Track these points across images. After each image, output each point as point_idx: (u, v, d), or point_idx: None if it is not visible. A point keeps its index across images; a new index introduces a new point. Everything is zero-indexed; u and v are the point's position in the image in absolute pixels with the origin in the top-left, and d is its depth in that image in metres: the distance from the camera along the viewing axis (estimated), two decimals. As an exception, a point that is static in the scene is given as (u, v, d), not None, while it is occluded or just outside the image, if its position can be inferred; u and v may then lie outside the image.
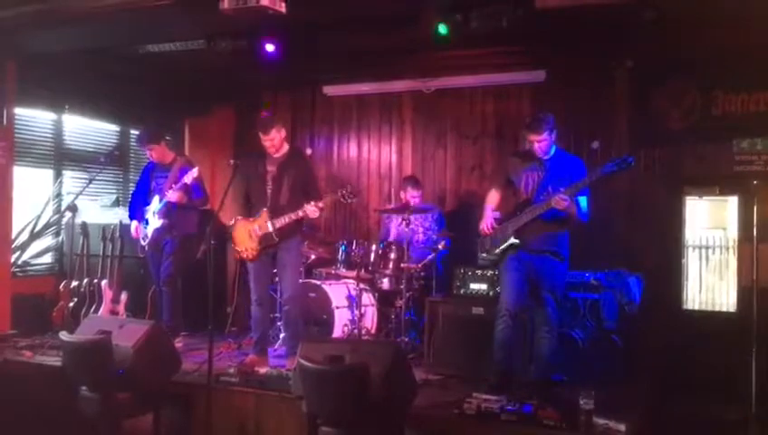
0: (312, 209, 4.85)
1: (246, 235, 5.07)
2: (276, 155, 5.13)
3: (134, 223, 5.87)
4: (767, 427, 4.67)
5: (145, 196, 5.90)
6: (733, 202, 5.73)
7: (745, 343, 5.11)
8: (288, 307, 5.13)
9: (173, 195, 5.56)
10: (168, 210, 5.67)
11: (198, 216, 5.88)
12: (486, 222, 4.56)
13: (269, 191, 5.06)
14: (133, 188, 6.44)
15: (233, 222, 5.17)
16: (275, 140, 5.05)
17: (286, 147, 5.20)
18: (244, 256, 5.13)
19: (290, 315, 5.14)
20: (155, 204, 5.74)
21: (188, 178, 5.53)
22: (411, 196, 6.19)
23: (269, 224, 4.96)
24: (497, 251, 4.53)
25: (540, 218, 4.37)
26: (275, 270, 5.31)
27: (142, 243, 5.83)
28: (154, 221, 5.72)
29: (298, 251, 5.28)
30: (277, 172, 5.08)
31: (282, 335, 5.70)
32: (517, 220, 4.44)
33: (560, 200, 4.20)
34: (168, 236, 5.73)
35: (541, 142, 4.41)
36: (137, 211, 5.90)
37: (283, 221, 4.93)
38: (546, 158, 4.48)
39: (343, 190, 4.93)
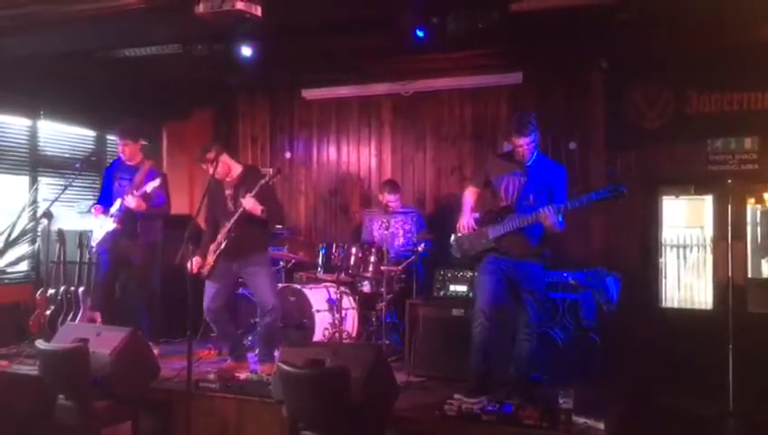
0: (246, 200, 4.78)
1: (199, 259, 4.99)
2: (229, 179, 5.06)
3: (96, 205, 5.70)
4: (744, 422, 4.74)
5: (108, 198, 5.72)
6: (709, 201, 5.81)
7: (722, 340, 5.19)
8: (270, 319, 4.99)
9: (132, 201, 5.39)
10: (127, 216, 5.51)
11: (161, 223, 5.77)
12: (466, 222, 4.56)
13: (231, 215, 4.95)
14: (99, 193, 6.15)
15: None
16: (217, 166, 4.93)
17: (238, 168, 5.12)
18: (204, 272, 5.03)
19: (271, 326, 5.02)
20: (114, 207, 5.58)
21: (149, 188, 5.38)
22: (388, 200, 6.19)
23: (221, 237, 4.95)
24: (473, 254, 4.55)
25: (522, 230, 4.38)
26: (241, 290, 5.27)
27: (92, 243, 5.68)
28: (107, 223, 5.56)
29: (267, 266, 5.14)
30: (234, 194, 5.01)
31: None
32: (499, 228, 4.43)
33: (548, 216, 4.21)
34: (131, 245, 5.58)
35: (528, 145, 4.39)
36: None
37: (229, 224, 4.90)
38: (528, 163, 4.48)
39: (264, 179, 4.82)
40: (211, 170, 4.92)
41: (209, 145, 5.08)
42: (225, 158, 4.99)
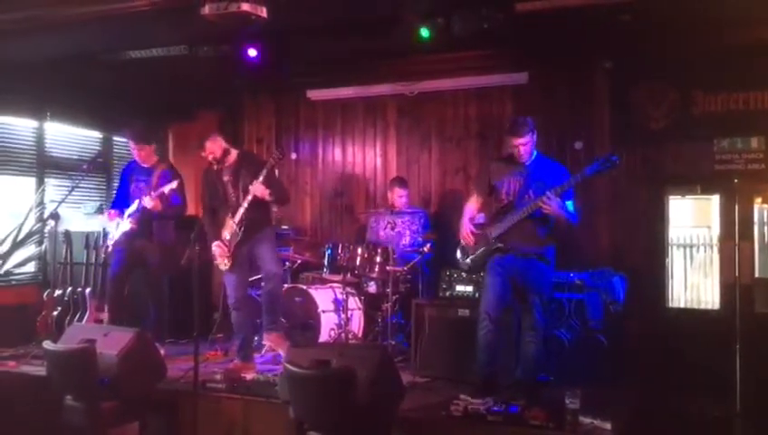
0: (255, 187, 4.86)
1: (221, 247, 5.10)
2: (226, 164, 5.13)
3: (110, 210, 5.77)
4: (752, 423, 4.72)
5: (126, 199, 5.78)
6: (716, 200, 5.79)
7: (729, 340, 5.17)
8: (271, 284, 5.09)
9: (149, 202, 5.44)
10: (143, 217, 5.55)
11: (175, 225, 5.79)
12: (465, 228, 4.57)
13: (233, 199, 5.08)
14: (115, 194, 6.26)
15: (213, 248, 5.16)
16: (216, 151, 5.05)
17: (234, 153, 5.19)
18: (224, 268, 5.16)
19: (272, 292, 5.11)
20: (132, 207, 5.63)
21: (167, 189, 5.44)
22: (398, 195, 6.21)
23: (232, 222, 5.03)
24: (478, 257, 4.55)
25: (527, 219, 4.38)
26: (254, 277, 5.32)
27: (108, 243, 5.72)
28: (124, 224, 5.60)
29: (271, 239, 5.24)
30: (233, 179, 5.09)
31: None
32: (500, 226, 4.45)
33: (547, 201, 4.21)
34: (148, 245, 5.61)
35: (525, 145, 4.43)
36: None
37: (240, 213, 4.97)
38: (528, 162, 4.50)
39: (272, 158, 4.92)
40: (210, 157, 5.02)
41: (213, 135, 5.16)
42: (220, 143, 5.10)
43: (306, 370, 3.50)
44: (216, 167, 5.11)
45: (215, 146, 5.06)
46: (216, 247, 5.10)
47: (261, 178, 4.85)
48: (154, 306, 5.66)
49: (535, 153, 4.53)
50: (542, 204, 4.24)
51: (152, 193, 5.48)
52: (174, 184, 5.45)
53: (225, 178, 5.12)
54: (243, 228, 5.00)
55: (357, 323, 5.86)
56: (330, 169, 7.37)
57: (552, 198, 4.22)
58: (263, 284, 5.19)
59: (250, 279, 5.43)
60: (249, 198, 4.90)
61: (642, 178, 5.86)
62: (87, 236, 6.17)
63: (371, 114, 7.18)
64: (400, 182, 6.32)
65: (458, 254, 4.70)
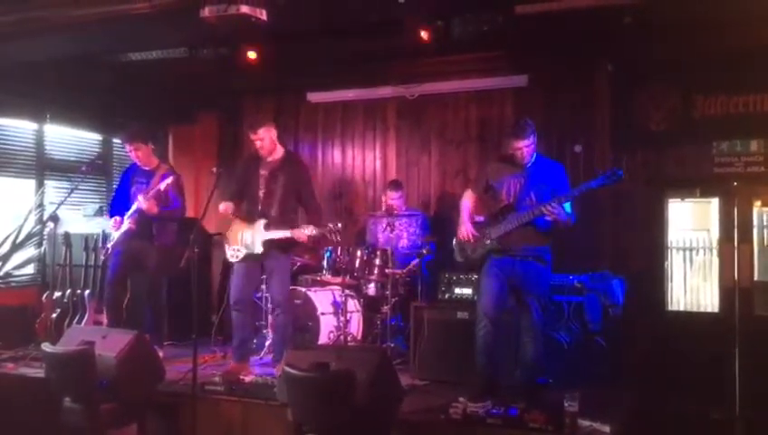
0: (299, 234, 4.81)
1: (239, 237, 5.02)
2: (269, 159, 5.06)
3: (115, 217, 5.70)
4: (752, 426, 4.71)
5: (125, 201, 5.73)
6: (715, 204, 5.79)
7: (729, 343, 5.17)
8: (278, 313, 5.11)
9: (143, 202, 5.38)
10: (143, 217, 5.50)
11: (177, 226, 5.76)
12: (466, 228, 4.57)
13: (261, 195, 5.02)
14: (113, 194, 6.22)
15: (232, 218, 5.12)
16: (265, 141, 4.98)
17: (281, 151, 5.14)
18: (231, 257, 5.09)
19: (279, 322, 5.12)
20: (132, 209, 5.57)
21: (163, 186, 5.39)
22: (392, 198, 6.20)
23: (260, 236, 4.92)
24: (476, 256, 4.55)
25: (526, 225, 4.38)
26: (263, 277, 5.30)
27: (108, 245, 5.68)
28: (124, 225, 5.57)
29: (288, 260, 5.24)
30: (269, 177, 5.02)
31: (267, 343, 5.71)
32: (500, 227, 4.45)
33: (551, 210, 4.23)
34: (146, 246, 5.58)
35: (528, 147, 4.44)
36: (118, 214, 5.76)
37: (272, 237, 4.89)
38: (528, 164, 4.51)
39: (331, 226, 4.84)
40: (258, 143, 4.96)
41: (270, 123, 5.10)
42: (273, 134, 5.05)
43: (305, 372, 3.50)
44: (260, 153, 5.01)
45: (267, 134, 4.99)
46: (223, 206, 5.03)
47: (309, 232, 4.80)
48: (152, 309, 5.64)
49: (535, 155, 4.54)
50: (545, 211, 4.25)
51: (148, 193, 5.43)
52: (169, 179, 5.40)
53: (262, 172, 5.04)
54: (263, 247, 4.93)
55: (356, 326, 5.86)
56: (329, 171, 7.37)
57: (556, 207, 4.24)
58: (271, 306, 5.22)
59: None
60: (288, 233, 4.84)
61: (642, 180, 5.86)
62: (86, 238, 6.16)
63: (371, 116, 7.19)
64: (394, 186, 6.30)
65: (455, 248, 4.71)
